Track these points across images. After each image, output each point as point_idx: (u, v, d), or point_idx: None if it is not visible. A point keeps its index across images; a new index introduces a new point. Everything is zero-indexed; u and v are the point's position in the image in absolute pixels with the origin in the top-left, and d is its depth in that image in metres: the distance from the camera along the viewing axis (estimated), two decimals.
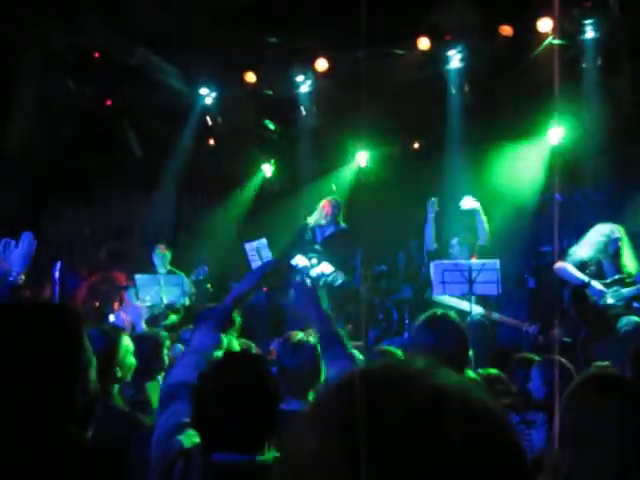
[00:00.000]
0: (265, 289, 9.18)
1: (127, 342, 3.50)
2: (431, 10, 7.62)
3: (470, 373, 3.58)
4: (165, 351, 4.47)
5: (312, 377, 3.05)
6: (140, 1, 8.23)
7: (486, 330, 6.96)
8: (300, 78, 8.58)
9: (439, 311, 2.97)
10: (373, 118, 8.42)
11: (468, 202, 7.38)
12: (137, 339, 4.01)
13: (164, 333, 4.28)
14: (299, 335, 3.30)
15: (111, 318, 6.38)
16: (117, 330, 3.54)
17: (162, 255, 8.50)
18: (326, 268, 7.66)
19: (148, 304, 8.08)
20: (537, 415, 3.68)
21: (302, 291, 2.72)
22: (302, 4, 7.90)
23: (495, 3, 7.25)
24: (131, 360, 3.50)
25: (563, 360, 4.24)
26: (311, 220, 8.08)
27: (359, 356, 4.85)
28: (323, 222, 7.98)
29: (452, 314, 2.97)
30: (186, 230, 11.29)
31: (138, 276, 8.28)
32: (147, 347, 4.14)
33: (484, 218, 7.38)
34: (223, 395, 2.07)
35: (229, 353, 2.35)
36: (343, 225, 8.04)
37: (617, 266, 6.67)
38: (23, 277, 3.59)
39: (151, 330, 4.41)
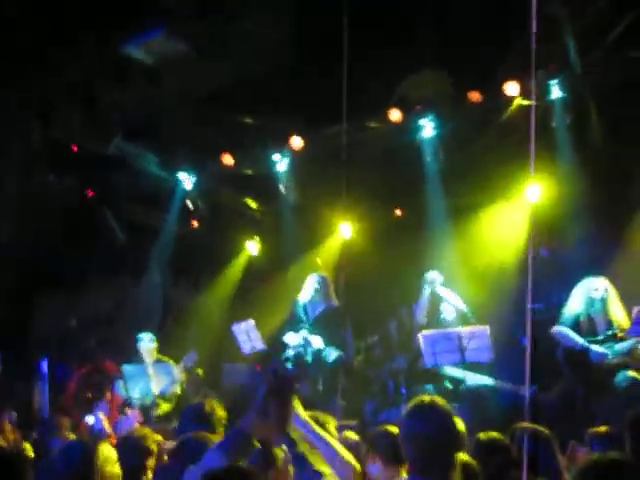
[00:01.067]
0: (258, 367, 9.08)
1: (107, 451, 3.41)
2: (401, 83, 7.75)
3: (464, 457, 3.49)
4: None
5: None
6: (114, 91, 8.34)
7: (483, 397, 6.87)
8: (277, 157, 8.66)
9: (426, 398, 2.91)
10: (353, 190, 8.46)
11: (431, 276, 7.49)
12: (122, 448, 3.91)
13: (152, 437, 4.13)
14: None
15: (90, 420, 6.26)
16: (95, 440, 3.46)
17: (148, 343, 8.39)
18: (318, 343, 7.62)
19: (138, 395, 7.96)
20: None
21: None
22: (274, 84, 8.03)
23: (462, 71, 7.37)
24: (113, 470, 3.40)
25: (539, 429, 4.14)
26: (301, 298, 8.07)
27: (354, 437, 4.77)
28: (315, 299, 7.98)
29: (439, 401, 2.90)
30: (174, 314, 11.20)
31: (125, 367, 8.18)
32: (133, 457, 4.01)
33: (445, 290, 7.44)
34: None
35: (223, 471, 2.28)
36: (334, 302, 8.02)
37: (608, 321, 6.64)
38: None
39: (138, 434, 4.27)
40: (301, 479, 2.46)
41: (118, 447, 4.39)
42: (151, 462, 4.29)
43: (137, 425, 5.93)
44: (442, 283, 7.72)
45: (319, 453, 2.60)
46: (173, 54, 6.96)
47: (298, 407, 3.09)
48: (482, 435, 4.10)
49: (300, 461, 2.51)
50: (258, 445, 2.59)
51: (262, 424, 2.65)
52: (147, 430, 4.63)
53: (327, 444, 3.08)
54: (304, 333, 7.76)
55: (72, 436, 5.68)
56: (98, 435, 5.94)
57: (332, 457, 3.06)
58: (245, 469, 2.25)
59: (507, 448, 4.10)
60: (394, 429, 3.86)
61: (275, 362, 2.98)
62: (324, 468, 2.49)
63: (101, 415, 6.34)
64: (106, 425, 6.22)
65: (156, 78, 7.50)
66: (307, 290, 8.06)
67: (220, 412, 3.88)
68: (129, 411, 7.64)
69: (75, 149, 8.89)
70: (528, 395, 6.77)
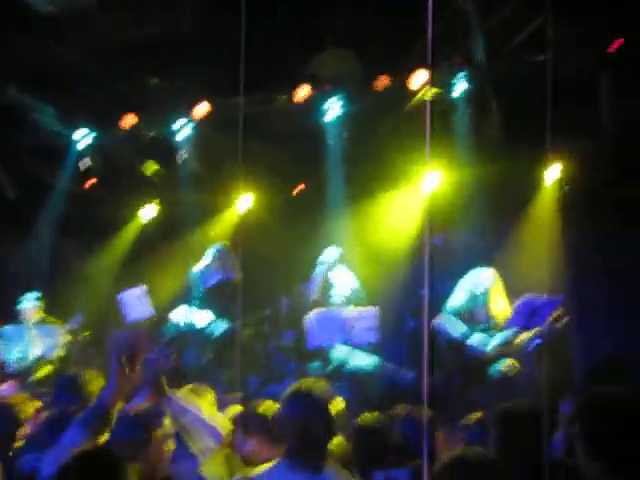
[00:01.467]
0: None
1: None
2: (310, 60, 7.72)
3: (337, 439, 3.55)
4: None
5: None
6: (16, 40, 7.96)
7: (365, 378, 7.00)
8: (181, 122, 8.48)
9: (304, 385, 2.95)
10: (255, 163, 8.41)
11: (328, 253, 7.55)
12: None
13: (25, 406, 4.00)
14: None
15: None
16: None
17: (32, 304, 8.12)
18: (203, 319, 7.58)
19: (17, 356, 7.71)
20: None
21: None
22: (186, 48, 7.84)
23: (370, 56, 7.42)
24: None
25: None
26: (196, 267, 7.99)
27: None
28: (211, 269, 7.90)
29: (316, 387, 2.94)
30: (62, 276, 10.87)
31: (4, 328, 7.89)
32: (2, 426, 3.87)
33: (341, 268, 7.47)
34: None
35: (83, 454, 2.22)
36: (232, 273, 7.97)
37: (489, 311, 6.87)
38: None
39: (10, 401, 4.14)
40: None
41: None
42: (21, 431, 4.16)
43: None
44: (337, 261, 7.73)
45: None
46: (75, 4, 6.68)
47: (162, 385, 3.09)
48: (360, 420, 4.17)
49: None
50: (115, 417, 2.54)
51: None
52: (20, 397, 4.50)
53: (194, 414, 3.10)
54: (191, 310, 7.69)
55: None
56: None
57: (199, 425, 3.09)
58: (107, 454, 2.18)
59: (384, 432, 4.18)
60: (268, 409, 3.89)
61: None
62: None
63: None
64: None
65: (58, 29, 7.19)
66: (204, 260, 7.99)
67: (100, 381, 3.81)
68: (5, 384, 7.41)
69: None
70: (409, 378, 6.99)
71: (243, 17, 5.23)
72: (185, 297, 8.00)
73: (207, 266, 7.94)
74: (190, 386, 4.11)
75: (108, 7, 7.04)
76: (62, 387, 3.86)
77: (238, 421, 3.98)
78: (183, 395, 3.18)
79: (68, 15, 7.01)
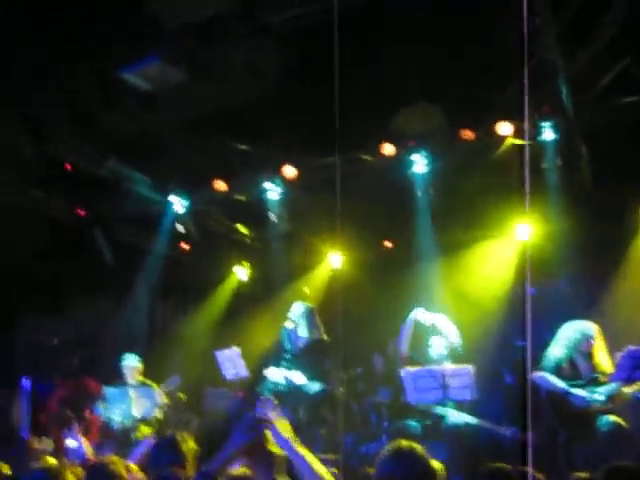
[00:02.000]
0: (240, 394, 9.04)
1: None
2: (394, 117, 7.79)
3: None
4: None
5: None
6: (112, 114, 8.35)
7: (464, 435, 6.84)
8: (269, 185, 8.67)
9: (405, 443, 2.91)
10: (344, 221, 8.49)
11: (419, 315, 7.45)
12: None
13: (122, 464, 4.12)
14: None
15: (70, 443, 6.19)
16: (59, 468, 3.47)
17: (132, 365, 8.34)
18: (298, 379, 7.61)
19: (119, 417, 7.91)
20: None
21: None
22: (269, 111, 8.05)
23: (456, 109, 7.43)
24: None
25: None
26: (287, 325, 8.05)
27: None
28: (300, 329, 7.96)
29: (418, 447, 2.90)
30: (159, 337, 11.15)
31: (107, 389, 8.13)
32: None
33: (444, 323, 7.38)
34: None
35: None
36: (318, 334, 7.99)
37: (591, 365, 6.64)
38: None
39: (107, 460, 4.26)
40: None
41: (91, 469, 4.36)
42: None
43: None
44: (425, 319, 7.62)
45: None
46: (169, 81, 6.97)
47: (280, 426, 3.12)
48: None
49: None
50: None
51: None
52: (115, 458, 4.60)
53: (305, 462, 3.09)
54: (285, 370, 7.73)
55: (50, 460, 5.61)
56: (77, 457, 5.87)
57: (310, 475, 3.08)
58: None
59: None
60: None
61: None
62: None
63: (82, 438, 6.26)
64: (87, 449, 6.14)
65: (151, 102, 7.51)
66: (292, 318, 8.04)
67: (191, 444, 3.87)
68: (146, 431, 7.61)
69: (68, 168, 8.87)
70: (509, 435, 6.78)
71: (336, 82, 5.38)
72: (277, 356, 8.05)
73: (294, 327, 7.99)
74: None
75: (197, 79, 7.31)
76: (160, 448, 3.92)
77: None
78: (298, 444, 3.20)
79: (161, 89, 7.31)
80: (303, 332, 7.96)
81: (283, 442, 3.17)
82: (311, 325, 7.99)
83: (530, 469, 3.82)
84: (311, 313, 8.01)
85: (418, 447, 2.90)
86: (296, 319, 7.98)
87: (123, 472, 4.11)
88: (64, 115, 8.22)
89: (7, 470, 3.90)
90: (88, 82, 7.45)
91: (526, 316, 3.70)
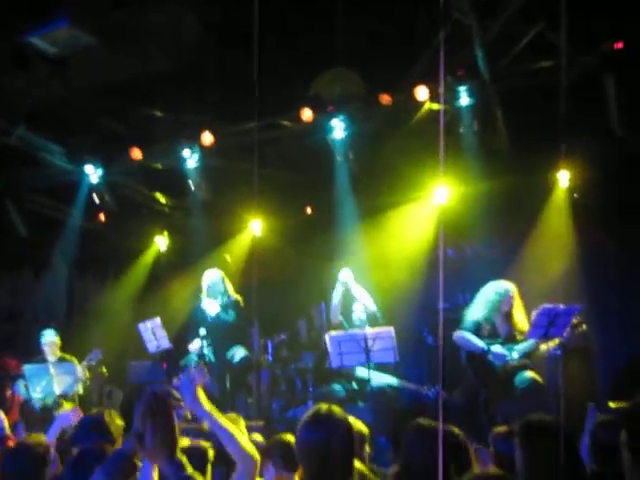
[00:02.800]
0: (165, 365, 8.95)
1: None
2: (312, 82, 7.73)
3: (358, 464, 3.51)
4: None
5: None
6: (17, 78, 8.02)
7: (387, 397, 6.96)
8: (187, 152, 8.51)
9: (324, 407, 2.90)
10: (264, 188, 8.43)
11: (343, 275, 7.47)
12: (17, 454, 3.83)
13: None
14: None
15: None
16: None
17: (51, 341, 8.14)
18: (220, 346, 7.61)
19: (40, 395, 7.72)
20: None
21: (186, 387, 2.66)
22: (187, 78, 7.88)
23: (373, 73, 7.42)
24: None
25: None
26: (202, 297, 7.99)
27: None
28: (211, 298, 7.91)
29: (337, 410, 2.89)
30: (79, 311, 10.91)
31: (26, 366, 7.92)
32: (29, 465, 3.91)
33: (357, 289, 7.48)
34: None
35: None
36: (232, 297, 7.96)
37: (509, 323, 6.82)
38: None
39: (35, 441, 4.19)
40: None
41: (12, 452, 4.26)
42: (46, 471, 4.18)
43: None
44: (352, 281, 7.70)
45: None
46: (79, 45, 6.72)
47: (202, 398, 3.09)
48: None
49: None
50: (140, 465, 2.52)
51: (141, 446, 2.59)
52: (43, 437, 4.50)
53: (230, 435, 3.07)
54: (205, 340, 7.69)
55: None
56: None
57: (234, 448, 3.07)
58: None
59: None
60: (287, 438, 3.87)
61: (153, 386, 2.85)
62: None
63: (1, 415, 6.07)
64: (5, 425, 5.97)
65: (61, 68, 7.23)
66: (204, 290, 7.98)
67: (118, 422, 3.80)
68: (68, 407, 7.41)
69: None
70: (431, 395, 6.93)
71: (255, 47, 5.28)
72: (195, 327, 7.99)
73: (206, 294, 7.95)
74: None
75: (109, 45, 7.08)
76: (85, 427, 3.84)
77: (261, 450, 3.96)
78: (220, 416, 3.16)
79: (71, 54, 7.04)
80: (216, 299, 7.92)
81: (203, 414, 3.13)
82: (223, 291, 7.94)
83: (441, 424, 3.89)
84: (222, 279, 7.96)
85: (337, 409, 2.90)
86: (209, 287, 7.93)
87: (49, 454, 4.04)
88: None
89: None
90: None
91: (441, 278, 3.72)
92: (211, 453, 3.29)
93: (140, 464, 2.56)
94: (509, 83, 7.24)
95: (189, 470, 2.42)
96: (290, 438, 3.91)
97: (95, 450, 3.41)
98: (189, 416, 3.88)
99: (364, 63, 7.51)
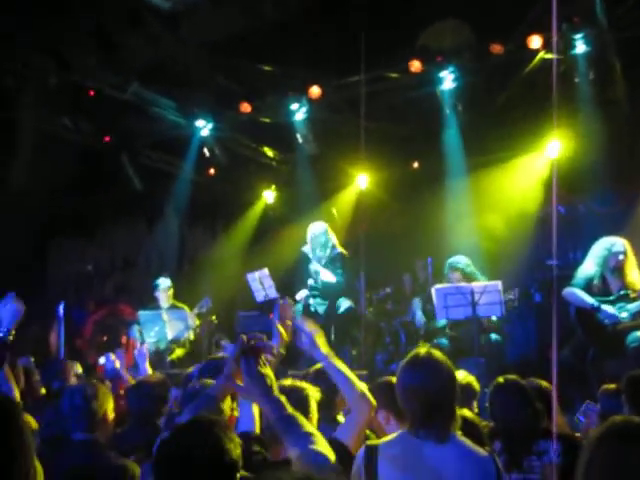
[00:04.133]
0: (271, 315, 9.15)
1: (105, 394, 3.79)
2: (422, 33, 7.60)
3: (467, 412, 3.51)
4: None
5: None
6: (131, 36, 8.24)
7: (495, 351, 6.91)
8: (295, 106, 8.56)
9: (422, 351, 2.89)
10: (370, 141, 8.42)
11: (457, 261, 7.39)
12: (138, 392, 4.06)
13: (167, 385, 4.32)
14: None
15: (101, 360, 6.34)
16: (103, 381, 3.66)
17: (165, 289, 8.46)
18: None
19: (153, 340, 8.07)
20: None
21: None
22: (293, 32, 7.90)
23: (484, 22, 7.22)
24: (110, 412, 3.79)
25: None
26: (307, 249, 8.07)
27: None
28: (318, 251, 7.97)
29: (436, 353, 2.88)
30: (190, 261, 11.28)
31: (141, 312, 8.29)
32: (148, 403, 4.16)
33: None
34: (177, 466, 2.07)
35: (192, 421, 2.30)
36: (337, 250, 7.99)
37: (622, 281, 6.59)
38: (13, 333, 3.61)
39: (155, 380, 4.47)
40: (291, 442, 2.42)
41: (134, 390, 4.52)
42: (164, 409, 4.42)
43: (150, 370, 5.99)
44: (468, 267, 7.41)
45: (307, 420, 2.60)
46: (191, 1, 6.84)
47: (320, 342, 3.16)
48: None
49: (288, 423, 2.46)
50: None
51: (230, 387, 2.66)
52: (163, 377, 4.74)
53: (346, 379, 3.14)
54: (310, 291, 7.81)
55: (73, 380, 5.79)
56: (111, 376, 6.03)
57: (350, 392, 3.13)
58: (209, 418, 2.26)
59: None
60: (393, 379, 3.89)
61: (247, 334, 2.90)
62: (313, 429, 2.49)
63: (112, 356, 6.40)
64: (118, 365, 6.30)
65: (173, 24, 7.39)
66: (309, 242, 8.06)
67: None
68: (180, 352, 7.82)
69: (92, 93, 8.82)
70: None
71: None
72: (303, 280, 8.11)
73: (311, 248, 8.02)
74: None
75: (219, 1, 7.17)
76: (207, 371, 4.00)
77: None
78: (337, 360, 3.23)
79: (182, 11, 7.18)
80: (321, 251, 7.97)
81: (321, 357, 3.21)
82: (327, 243, 7.98)
83: (555, 381, 3.83)
84: (326, 232, 7.99)
85: (438, 353, 2.87)
86: (313, 239, 7.98)
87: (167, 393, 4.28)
88: (86, 41, 8.14)
89: (35, 425, 4.06)
90: (109, 5, 7.35)
91: (554, 234, 3.64)
92: (316, 395, 3.36)
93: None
94: (628, 31, 6.89)
95: (289, 409, 2.47)
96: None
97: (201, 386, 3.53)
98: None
99: (475, 12, 7.32)
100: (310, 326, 3.28)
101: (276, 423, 2.48)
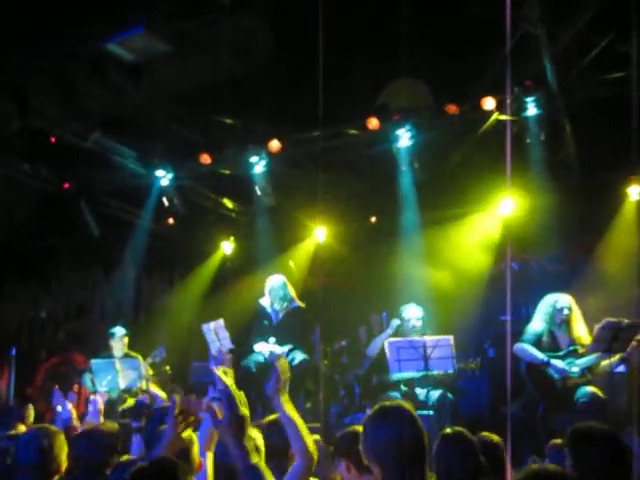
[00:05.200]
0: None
1: (62, 441, 3.74)
2: (380, 92, 7.80)
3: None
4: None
5: None
6: (94, 85, 8.31)
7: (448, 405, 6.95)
8: (254, 159, 8.67)
9: (387, 403, 2.89)
10: (329, 195, 8.55)
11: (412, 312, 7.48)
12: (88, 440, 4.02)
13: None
14: None
15: (58, 408, 6.25)
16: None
17: (120, 337, 8.40)
18: (282, 349, 7.71)
19: (105, 389, 7.97)
20: None
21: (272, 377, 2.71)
22: (254, 86, 8.05)
23: (440, 84, 7.45)
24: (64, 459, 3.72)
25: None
26: (265, 302, 8.12)
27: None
28: (276, 305, 8.04)
29: (406, 405, 2.87)
30: (146, 310, 11.20)
31: (94, 361, 8.20)
32: (98, 452, 4.11)
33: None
34: None
35: (154, 462, 2.30)
36: (295, 303, 8.07)
37: (569, 336, 6.74)
38: None
39: (107, 429, 4.41)
40: None
41: (84, 438, 4.45)
42: (114, 459, 4.35)
43: (102, 419, 5.92)
44: (419, 318, 7.60)
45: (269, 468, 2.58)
46: (154, 52, 6.94)
47: (281, 390, 3.18)
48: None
49: (253, 475, 2.40)
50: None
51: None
52: (116, 426, 4.69)
53: (297, 431, 3.16)
54: (272, 344, 7.83)
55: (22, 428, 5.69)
56: (64, 424, 5.94)
57: (299, 443, 3.15)
58: (171, 460, 2.25)
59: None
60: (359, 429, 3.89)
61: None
62: None
63: (69, 404, 6.32)
64: (74, 416, 6.20)
65: (136, 74, 7.48)
66: (266, 295, 8.12)
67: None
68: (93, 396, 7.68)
69: (53, 140, 8.84)
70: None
71: (320, 54, 5.38)
72: (259, 331, 8.14)
73: (272, 298, 8.08)
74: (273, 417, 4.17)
75: (183, 53, 7.29)
76: (156, 419, 3.97)
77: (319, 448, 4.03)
78: (292, 411, 3.24)
79: (145, 62, 7.28)
80: (278, 304, 8.04)
81: (279, 404, 3.23)
82: (285, 296, 8.05)
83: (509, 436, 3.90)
84: (284, 285, 8.07)
85: (406, 405, 2.84)
86: (271, 292, 8.05)
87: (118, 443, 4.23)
88: (49, 87, 8.18)
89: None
90: (73, 54, 7.42)
91: (508, 290, 3.74)
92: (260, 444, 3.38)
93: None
94: (578, 95, 7.17)
95: (255, 458, 2.44)
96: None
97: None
98: None
99: (431, 73, 7.56)
100: (281, 371, 3.30)
101: (242, 472, 2.41)
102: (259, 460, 2.44)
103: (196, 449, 3.06)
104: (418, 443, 2.68)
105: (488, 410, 7.91)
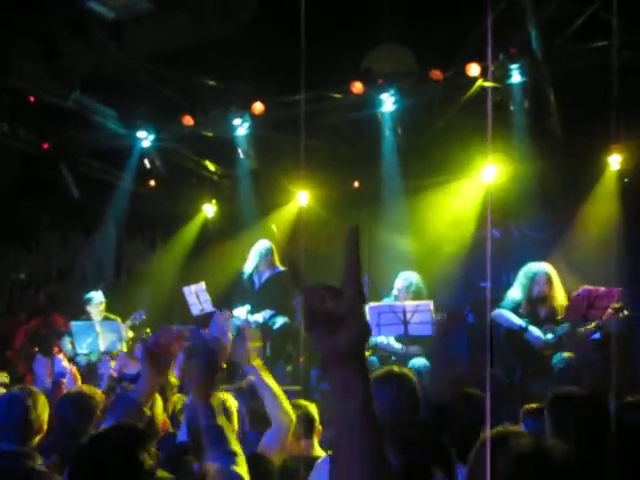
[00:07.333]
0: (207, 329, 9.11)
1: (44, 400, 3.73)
2: (365, 55, 7.74)
3: None
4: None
5: None
6: (75, 44, 8.18)
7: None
8: (237, 121, 8.59)
9: (396, 368, 2.92)
10: (312, 159, 8.52)
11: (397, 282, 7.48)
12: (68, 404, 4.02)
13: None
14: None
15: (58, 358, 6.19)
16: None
17: (97, 304, 8.37)
18: (262, 313, 7.75)
19: (85, 352, 7.98)
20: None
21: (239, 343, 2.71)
22: (238, 47, 7.95)
23: (425, 49, 7.40)
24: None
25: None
26: (247, 267, 8.13)
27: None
28: (260, 267, 8.06)
29: (409, 372, 2.90)
30: (127, 273, 11.17)
31: (74, 323, 8.18)
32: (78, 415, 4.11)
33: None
34: (90, 473, 2.09)
35: (109, 429, 2.30)
36: (279, 268, 8.08)
37: (548, 304, 6.80)
38: None
39: (87, 393, 4.39)
40: (214, 456, 2.33)
41: (65, 402, 4.45)
42: (94, 421, 4.36)
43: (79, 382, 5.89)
44: (416, 285, 7.57)
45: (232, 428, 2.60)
46: (135, 10, 6.83)
47: (252, 355, 3.19)
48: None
49: (215, 435, 2.36)
50: (149, 414, 2.55)
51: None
52: (95, 391, 4.69)
53: (273, 395, 3.18)
54: (246, 311, 7.85)
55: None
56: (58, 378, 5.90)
57: (275, 408, 3.17)
58: (128, 426, 2.25)
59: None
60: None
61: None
62: (237, 448, 2.39)
63: (64, 361, 6.27)
64: (66, 365, 6.17)
65: (117, 34, 7.37)
66: (251, 259, 8.13)
67: (172, 379, 3.94)
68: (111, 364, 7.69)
69: (32, 100, 8.71)
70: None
71: (303, 16, 5.32)
72: (240, 297, 8.15)
73: (256, 264, 8.09)
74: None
75: (165, 13, 7.18)
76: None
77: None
78: (267, 375, 3.25)
79: (127, 21, 7.17)
80: (263, 269, 8.06)
81: (251, 370, 3.24)
82: (270, 261, 8.07)
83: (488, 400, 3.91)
84: (269, 250, 8.08)
85: (409, 373, 2.88)
86: (255, 257, 8.07)
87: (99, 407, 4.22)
88: (29, 47, 8.05)
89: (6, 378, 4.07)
90: (53, 12, 7.29)
91: (488, 257, 3.75)
92: (234, 409, 3.40)
93: (149, 412, 2.58)
94: (562, 63, 7.15)
95: (219, 419, 2.43)
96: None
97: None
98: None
99: (416, 39, 7.50)
100: (252, 338, 3.31)
101: (204, 431, 2.39)
102: (225, 422, 2.42)
103: (160, 406, 3.06)
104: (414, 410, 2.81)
105: (467, 374, 8.00)
